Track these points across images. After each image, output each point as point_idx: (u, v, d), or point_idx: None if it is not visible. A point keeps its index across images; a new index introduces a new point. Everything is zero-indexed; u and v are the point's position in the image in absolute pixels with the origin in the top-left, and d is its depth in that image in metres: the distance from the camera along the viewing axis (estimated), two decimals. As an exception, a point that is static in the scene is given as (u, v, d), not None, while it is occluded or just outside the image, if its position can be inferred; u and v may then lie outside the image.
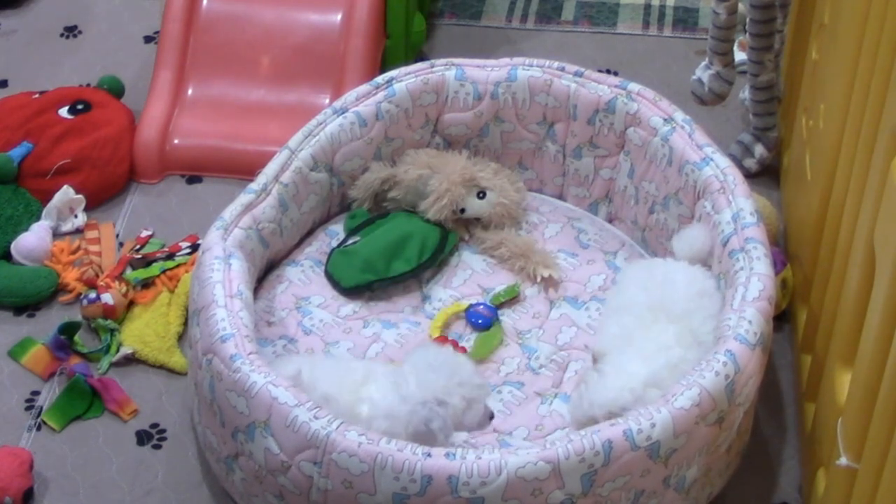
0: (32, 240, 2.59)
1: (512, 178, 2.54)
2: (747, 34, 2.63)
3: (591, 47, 3.13)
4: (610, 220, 2.57)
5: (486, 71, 2.54)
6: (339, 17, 2.88)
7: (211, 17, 2.90)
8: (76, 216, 2.67)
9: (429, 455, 1.89)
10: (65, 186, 2.67)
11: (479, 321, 2.35)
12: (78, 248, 2.61)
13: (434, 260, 2.44)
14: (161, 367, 2.40)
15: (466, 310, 2.37)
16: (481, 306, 2.38)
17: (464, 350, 2.30)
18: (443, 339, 2.32)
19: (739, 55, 2.81)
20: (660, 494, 1.98)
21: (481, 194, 2.48)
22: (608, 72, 2.97)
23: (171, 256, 2.57)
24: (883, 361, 1.68)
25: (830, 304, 2.10)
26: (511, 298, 2.39)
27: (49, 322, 2.47)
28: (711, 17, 2.64)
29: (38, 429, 2.31)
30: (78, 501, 2.20)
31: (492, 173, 2.51)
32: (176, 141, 2.80)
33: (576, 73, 2.52)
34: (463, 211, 2.48)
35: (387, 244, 2.42)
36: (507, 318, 2.37)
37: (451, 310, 2.38)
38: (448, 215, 2.46)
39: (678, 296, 2.17)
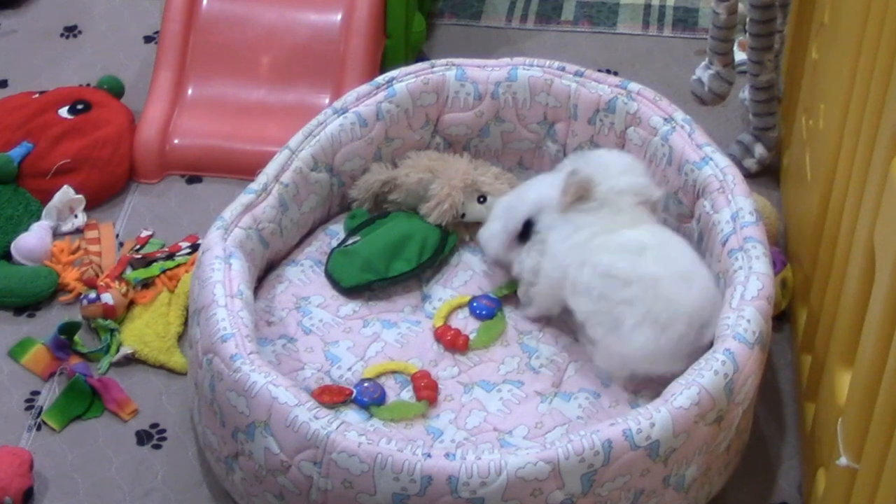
0: (32, 240, 2.59)
1: (512, 182, 2.53)
2: (747, 34, 2.63)
3: (591, 47, 3.13)
4: (610, 220, 2.57)
5: (486, 71, 2.55)
6: (339, 17, 2.88)
7: (211, 17, 2.90)
8: (76, 216, 2.67)
9: (429, 455, 1.89)
10: (65, 186, 2.67)
11: (483, 312, 2.36)
12: (78, 248, 2.61)
13: (434, 260, 2.44)
14: (161, 367, 2.40)
15: (470, 302, 2.38)
16: (485, 298, 2.39)
17: (466, 339, 2.31)
18: (445, 328, 2.33)
19: (739, 55, 2.81)
20: (659, 494, 1.98)
21: (482, 199, 2.48)
22: (608, 72, 2.97)
23: (171, 256, 2.57)
24: (883, 361, 1.68)
25: (830, 304, 2.10)
26: (513, 292, 2.40)
27: (49, 322, 2.48)
28: (711, 17, 2.64)
29: (38, 429, 2.31)
30: (78, 501, 2.20)
31: (493, 177, 2.50)
32: (176, 141, 2.80)
33: (576, 73, 2.52)
34: (463, 216, 2.48)
35: (387, 244, 2.42)
36: (508, 318, 2.37)
37: (456, 302, 2.38)
38: (449, 220, 2.46)
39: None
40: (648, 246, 2.19)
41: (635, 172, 2.28)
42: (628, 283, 2.16)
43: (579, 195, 2.22)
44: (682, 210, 2.39)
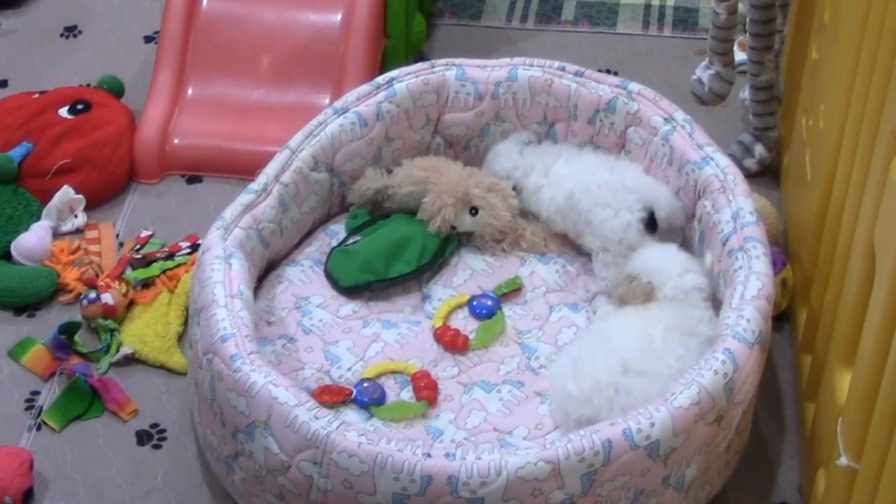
0: (32, 240, 2.59)
1: (506, 195, 2.48)
2: (747, 34, 2.63)
3: (591, 47, 3.13)
4: (610, 220, 2.57)
5: (486, 71, 2.54)
6: (339, 17, 2.88)
7: (211, 17, 2.90)
8: (76, 216, 2.67)
9: (429, 455, 1.89)
10: (65, 186, 2.67)
11: (483, 311, 2.36)
12: (78, 248, 2.61)
13: (434, 263, 2.43)
14: (161, 367, 2.40)
15: (469, 301, 2.38)
16: (484, 297, 2.39)
17: (466, 339, 2.31)
18: (445, 328, 2.33)
19: (739, 55, 2.81)
20: (659, 494, 1.98)
21: (474, 211, 2.46)
22: (608, 72, 2.97)
23: (171, 256, 2.57)
24: (883, 361, 1.68)
25: (830, 304, 2.10)
26: (513, 290, 2.40)
27: (49, 322, 2.48)
28: (711, 17, 2.64)
29: (38, 429, 2.31)
30: (78, 501, 2.20)
31: (485, 190, 2.46)
32: (176, 141, 2.80)
33: (576, 73, 2.52)
34: (454, 228, 2.47)
35: (387, 245, 2.42)
36: (509, 318, 2.37)
37: (455, 301, 2.39)
38: (443, 232, 2.45)
39: None
40: None
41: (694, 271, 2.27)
42: None
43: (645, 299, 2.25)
44: (683, 210, 2.39)
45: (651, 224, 2.35)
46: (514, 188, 2.49)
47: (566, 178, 2.44)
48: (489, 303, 2.38)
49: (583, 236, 2.42)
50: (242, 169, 2.72)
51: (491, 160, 2.54)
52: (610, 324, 2.21)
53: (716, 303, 2.22)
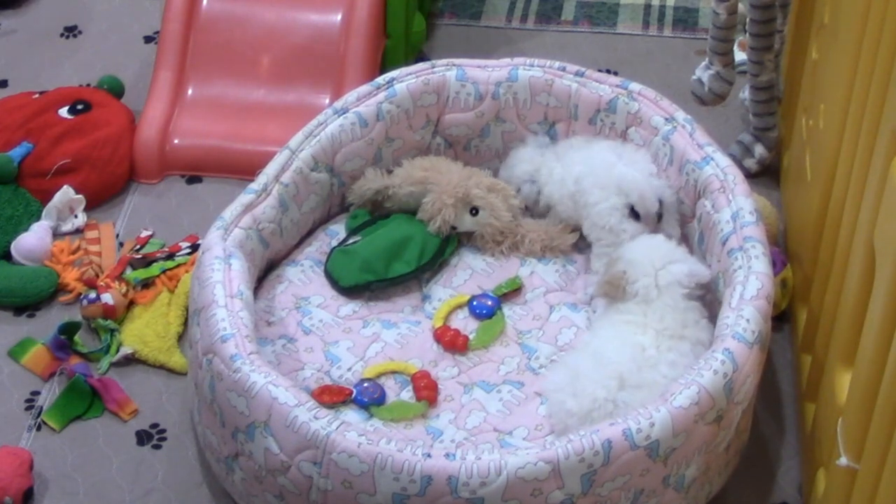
0: (32, 240, 2.59)
1: (507, 195, 2.49)
2: (747, 34, 2.63)
3: (591, 47, 3.13)
4: (610, 220, 2.57)
5: (487, 71, 2.54)
6: (339, 17, 2.88)
7: (211, 17, 2.90)
8: (76, 216, 2.67)
9: (429, 455, 1.89)
10: (65, 186, 2.67)
11: (483, 311, 2.36)
12: (78, 248, 2.61)
13: (433, 263, 2.43)
14: (161, 367, 2.40)
15: (469, 301, 2.38)
16: (484, 297, 2.39)
17: (466, 339, 2.31)
18: (445, 328, 2.33)
19: (739, 55, 2.81)
20: (659, 494, 1.98)
21: (474, 211, 2.46)
22: (608, 72, 2.97)
23: (171, 256, 2.57)
24: (883, 361, 1.68)
25: (830, 304, 2.10)
26: (513, 290, 2.40)
27: (49, 322, 2.48)
28: (711, 17, 2.64)
29: (38, 429, 2.31)
30: (78, 501, 2.20)
31: (485, 190, 2.46)
32: (176, 141, 2.80)
33: (577, 73, 2.52)
34: (454, 228, 2.47)
35: (387, 245, 2.42)
36: (509, 318, 2.37)
37: (455, 301, 2.38)
38: (443, 232, 2.45)
39: None
40: None
41: (679, 262, 2.26)
42: None
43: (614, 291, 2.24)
44: (683, 210, 2.39)
45: (635, 210, 2.36)
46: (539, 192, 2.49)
47: (577, 161, 2.44)
48: (489, 303, 2.38)
49: (583, 221, 2.43)
50: (242, 169, 2.72)
51: (513, 165, 2.53)
52: (601, 336, 2.20)
53: (715, 303, 2.22)
